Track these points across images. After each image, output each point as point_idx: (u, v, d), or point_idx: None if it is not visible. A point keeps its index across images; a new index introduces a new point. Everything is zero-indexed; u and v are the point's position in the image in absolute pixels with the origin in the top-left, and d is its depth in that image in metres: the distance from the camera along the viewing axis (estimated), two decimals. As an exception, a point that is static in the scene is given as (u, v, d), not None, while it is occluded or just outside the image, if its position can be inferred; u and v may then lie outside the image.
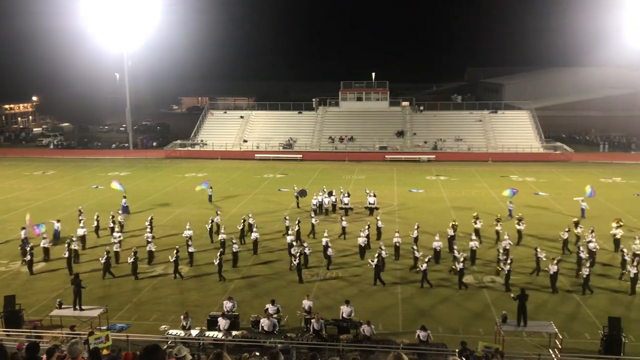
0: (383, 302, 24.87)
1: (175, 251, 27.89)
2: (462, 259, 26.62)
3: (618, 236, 31.34)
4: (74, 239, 30.67)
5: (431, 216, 38.55)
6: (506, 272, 25.98)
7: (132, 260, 27.61)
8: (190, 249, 29.58)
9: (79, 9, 66.30)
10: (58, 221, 34.57)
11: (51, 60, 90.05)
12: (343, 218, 35.31)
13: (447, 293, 25.75)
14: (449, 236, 31.35)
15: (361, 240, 30.49)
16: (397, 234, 30.69)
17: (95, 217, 34.77)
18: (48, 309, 23.35)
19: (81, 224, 33.39)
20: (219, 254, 28.01)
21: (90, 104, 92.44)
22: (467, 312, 23.87)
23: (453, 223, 32.71)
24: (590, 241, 29.18)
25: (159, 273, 28.40)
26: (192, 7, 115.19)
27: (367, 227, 31.97)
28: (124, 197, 40.91)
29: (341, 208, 39.73)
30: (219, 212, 36.09)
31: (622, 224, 32.39)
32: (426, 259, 27.02)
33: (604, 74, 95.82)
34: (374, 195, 39.98)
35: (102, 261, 27.78)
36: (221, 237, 31.07)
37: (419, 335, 19.89)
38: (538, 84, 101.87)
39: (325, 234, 30.58)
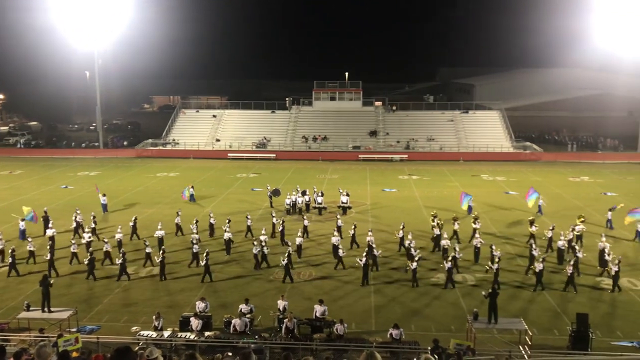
0: (357, 301, 24.97)
1: (161, 252, 27.67)
2: (450, 258, 26.76)
3: (580, 233, 32.08)
4: (105, 240, 30.06)
5: (404, 215, 38.78)
6: (447, 269, 26.29)
7: (120, 261, 27.15)
8: (195, 248, 29.39)
9: (48, 4, 65.09)
10: (23, 220, 34.16)
11: (19, 57, 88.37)
12: (305, 217, 35.29)
13: (420, 292, 25.96)
14: (435, 235, 31.70)
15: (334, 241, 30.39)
16: (370, 233, 30.83)
17: (74, 217, 34.19)
18: (15, 311, 22.87)
19: (49, 225, 32.83)
20: (205, 255, 27.69)
21: (60, 102, 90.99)
22: (439, 310, 24.11)
23: (439, 222, 32.77)
24: (570, 239, 30.05)
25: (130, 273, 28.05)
26: (165, 5, 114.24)
27: (353, 226, 32.23)
28: (104, 195, 40.80)
29: (315, 207, 39.77)
30: (179, 213, 35.16)
31: (584, 219, 33.19)
32: (416, 258, 27.15)
33: (573, 75, 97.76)
34: (347, 195, 40.10)
35: (86, 262, 27.31)
36: (226, 235, 31.04)
37: (391, 334, 20.04)
38: (508, 84, 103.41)
39: (335, 233, 30.76)
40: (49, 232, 31.92)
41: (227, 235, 31.12)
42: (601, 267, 28.00)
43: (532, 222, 32.99)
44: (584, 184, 51.37)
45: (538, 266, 25.95)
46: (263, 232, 30.67)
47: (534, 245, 28.73)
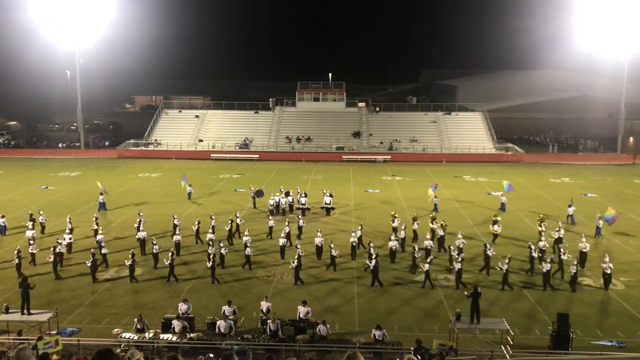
0: (340, 302, 24.98)
1: (131, 254, 27.34)
2: (460, 259, 26.67)
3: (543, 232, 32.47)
4: (59, 241, 29.54)
5: (387, 216, 38.85)
6: (457, 270, 26.44)
7: (129, 263, 26.74)
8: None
9: (29, 3, 64.29)
10: (2, 217, 34.53)
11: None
12: (270, 218, 34.99)
13: (402, 292, 26.06)
14: (438, 236, 31.77)
15: (352, 239, 30.32)
16: (318, 233, 30.68)
17: (68, 219, 33.73)
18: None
19: (30, 226, 32.43)
20: (170, 254, 27.56)
21: (40, 102, 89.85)
22: (422, 310, 24.21)
23: (442, 223, 32.59)
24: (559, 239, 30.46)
25: (112, 275, 27.80)
26: (147, 5, 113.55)
27: (360, 227, 31.95)
28: (101, 194, 40.98)
29: (298, 208, 39.73)
30: (140, 213, 34.43)
31: (542, 218, 33.59)
32: (428, 259, 27.11)
33: (554, 77, 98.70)
34: (330, 195, 40.13)
35: (89, 264, 26.85)
36: (176, 238, 30.77)
37: (374, 335, 20.08)
38: (491, 86, 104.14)
39: (319, 234, 30.49)
40: (29, 234, 31.37)
41: (209, 237, 30.98)
42: (582, 267, 28.27)
43: (495, 222, 33.23)
44: (564, 185, 51.94)
45: (545, 267, 26.05)
46: (246, 232, 30.59)
47: (488, 246, 28.68)
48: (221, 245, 29.31)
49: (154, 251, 28.78)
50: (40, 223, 34.33)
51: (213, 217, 33.13)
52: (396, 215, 34.09)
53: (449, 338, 20.72)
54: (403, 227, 32.14)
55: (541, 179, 54.12)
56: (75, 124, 79.36)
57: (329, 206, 39.64)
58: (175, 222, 33.71)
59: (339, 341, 20.36)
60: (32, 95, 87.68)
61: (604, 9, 63.44)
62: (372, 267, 26.66)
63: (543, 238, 30.35)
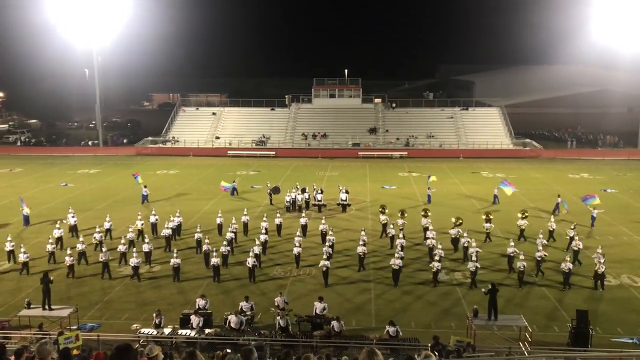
0: (357, 298, 24.98)
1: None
2: (475, 260, 26.07)
3: (523, 227, 32.32)
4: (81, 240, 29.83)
5: (410, 211, 38.69)
6: (472, 270, 25.92)
7: (175, 264, 26.57)
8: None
9: (47, 3, 65.03)
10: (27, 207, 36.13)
11: (18, 55, 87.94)
12: (278, 215, 34.46)
13: (419, 288, 25.95)
14: (452, 237, 31.12)
15: (360, 250, 28.35)
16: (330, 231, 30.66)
17: (107, 218, 33.57)
18: (16, 309, 22.89)
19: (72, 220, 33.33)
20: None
21: (59, 100, 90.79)
22: (439, 307, 24.12)
23: (460, 221, 31.79)
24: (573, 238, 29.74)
25: (130, 272, 28.06)
26: (164, 3, 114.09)
27: (362, 232, 30.50)
28: (145, 186, 42.10)
29: (314, 205, 39.76)
30: (107, 220, 33.80)
31: (527, 215, 33.17)
32: (437, 258, 26.67)
33: (573, 72, 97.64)
34: (347, 192, 40.09)
35: (134, 264, 26.79)
36: (229, 235, 30.59)
37: (388, 331, 20.03)
38: (508, 81, 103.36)
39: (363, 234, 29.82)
40: (57, 233, 31.42)
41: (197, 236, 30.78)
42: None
43: (488, 220, 32.75)
44: (583, 180, 51.37)
45: (568, 265, 25.52)
46: (262, 231, 30.60)
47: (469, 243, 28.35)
48: (224, 243, 29.04)
49: (206, 250, 28.59)
50: (69, 224, 33.98)
51: (234, 221, 32.79)
52: (385, 210, 34.03)
53: (467, 335, 20.66)
54: (395, 225, 31.74)
55: (560, 175, 53.58)
56: (93, 122, 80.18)
57: (345, 203, 39.60)
58: (219, 220, 33.59)
59: (356, 337, 20.38)
60: (51, 93, 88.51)
61: (623, 2, 62.56)
62: (435, 269, 26.10)
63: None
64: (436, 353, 16.99)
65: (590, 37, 68.51)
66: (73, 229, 33.77)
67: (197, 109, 79.23)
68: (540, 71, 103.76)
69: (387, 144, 68.86)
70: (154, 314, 21.21)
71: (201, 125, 73.46)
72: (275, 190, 41.97)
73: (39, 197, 43.82)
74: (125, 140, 74.61)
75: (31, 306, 22.06)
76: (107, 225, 33.03)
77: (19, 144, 74.36)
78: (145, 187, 42.63)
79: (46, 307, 22.20)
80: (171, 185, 48.32)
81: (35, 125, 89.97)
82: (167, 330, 20.63)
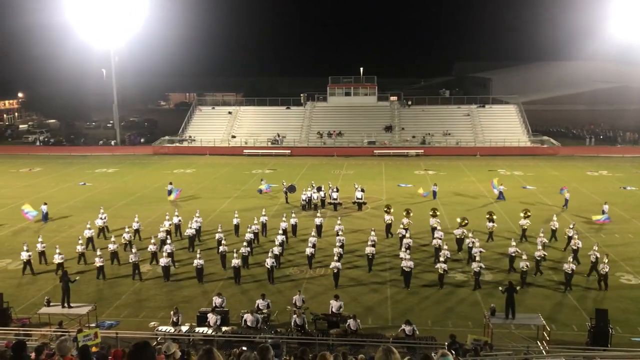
0: (373, 297, 24.94)
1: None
2: (479, 259, 25.85)
3: (525, 227, 31.85)
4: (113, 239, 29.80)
5: (418, 210, 38.59)
6: (475, 271, 25.56)
7: (199, 264, 26.53)
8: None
9: (65, 4, 65.76)
10: (45, 204, 36.86)
11: (37, 56, 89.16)
12: (293, 215, 33.96)
13: (433, 289, 25.78)
14: (457, 236, 30.66)
15: (369, 250, 28.15)
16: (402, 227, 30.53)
17: (136, 219, 33.53)
18: (36, 306, 23.22)
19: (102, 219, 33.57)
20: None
21: (77, 100, 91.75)
22: (456, 305, 23.99)
23: (466, 221, 31.25)
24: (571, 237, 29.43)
25: (147, 269, 28.28)
26: (180, 3, 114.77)
27: (372, 232, 30.10)
28: (170, 182, 43.60)
29: (330, 203, 39.76)
30: (136, 221, 33.84)
31: (529, 214, 32.68)
32: (442, 259, 26.13)
33: (591, 68, 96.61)
34: (362, 190, 40.02)
35: (166, 264, 26.80)
36: (248, 236, 30.50)
37: (404, 330, 19.97)
38: (525, 78, 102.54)
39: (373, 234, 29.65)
40: (87, 233, 31.57)
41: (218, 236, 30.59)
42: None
43: (491, 219, 32.24)
44: (602, 178, 50.80)
45: (571, 266, 25.16)
46: (280, 232, 30.61)
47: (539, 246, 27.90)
48: (244, 244, 29.09)
49: (222, 251, 28.43)
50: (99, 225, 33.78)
51: (256, 221, 32.79)
52: (390, 210, 33.84)
53: (484, 333, 20.54)
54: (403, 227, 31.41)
55: (578, 173, 53.04)
56: (111, 122, 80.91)
57: (360, 201, 39.53)
58: (236, 221, 33.45)
59: (372, 336, 20.35)
60: (70, 94, 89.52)
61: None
62: (443, 270, 25.67)
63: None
64: (453, 352, 16.93)
65: (608, 33, 67.71)
66: (102, 230, 33.65)
67: (213, 108, 79.57)
68: (558, 68, 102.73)
69: (403, 142, 68.62)
70: (172, 312, 21.38)
71: (217, 124, 73.79)
72: (291, 189, 42.04)
73: (57, 196, 44.31)
74: (142, 140, 75.16)
75: (51, 304, 22.36)
76: (135, 225, 32.91)
77: (38, 143, 75.25)
78: (170, 183, 43.89)
79: (65, 304, 22.48)
80: (188, 184, 48.57)
81: (54, 125, 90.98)
82: (184, 328, 20.78)
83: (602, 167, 55.74)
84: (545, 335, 20.12)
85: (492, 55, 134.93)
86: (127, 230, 31.64)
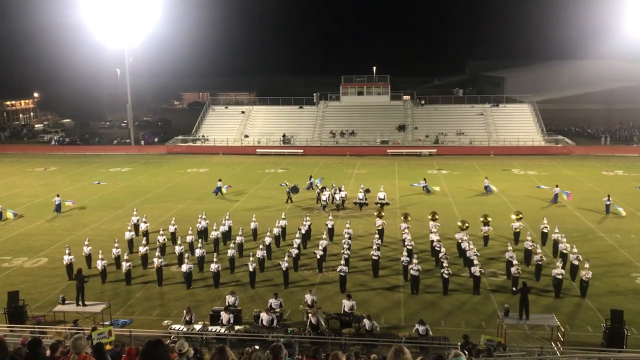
0: (386, 297, 24.89)
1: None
2: (478, 264, 25.45)
3: (518, 230, 31.33)
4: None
5: (433, 210, 38.44)
6: (475, 275, 25.23)
7: (217, 269, 26.24)
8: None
9: (79, 4, 66.30)
10: (58, 196, 38.41)
11: (52, 56, 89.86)
12: (308, 217, 33.35)
13: (449, 288, 25.65)
14: (458, 240, 30.06)
15: (374, 253, 27.53)
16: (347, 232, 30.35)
17: (172, 222, 32.72)
18: (51, 304, 23.45)
19: (129, 227, 32.45)
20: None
21: (91, 100, 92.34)
22: (469, 306, 23.89)
23: (466, 224, 30.70)
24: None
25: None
26: (193, 2, 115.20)
27: (376, 235, 30.13)
28: (220, 180, 44.77)
29: (355, 203, 39.46)
30: (143, 219, 33.54)
31: (521, 216, 32.21)
32: (445, 263, 25.41)
33: (605, 67, 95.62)
34: (367, 191, 39.93)
35: (188, 270, 26.37)
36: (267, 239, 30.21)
37: (417, 329, 19.92)
38: (539, 77, 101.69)
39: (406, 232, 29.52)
40: (128, 235, 31.33)
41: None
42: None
43: (486, 223, 31.48)
44: (617, 178, 50.30)
45: (560, 271, 24.31)
46: (297, 235, 30.40)
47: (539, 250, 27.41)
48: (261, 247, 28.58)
49: (230, 256, 27.98)
50: (135, 225, 33.36)
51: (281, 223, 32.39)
52: (382, 214, 33.38)
53: (497, 334, 20.42)
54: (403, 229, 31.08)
55: (593, 172, 52.56)
56: (125, 121, 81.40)
57: (383, 202, 39.25)
58: (254, 225, 32.80)
59: (385, 335, 20.32)
60: (84, 93, 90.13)
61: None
62: (447, 274, 25.08)
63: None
64: (466, 352, 16.85)
65: (622, 31, 67.03)
66: (145, 234, 31.99)
67: (226, 107, 79.81)
68: (572, 66, 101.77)
69: (416, 141, 68.38)
70: (184, 311, 21.48)
71: (230, 123, 74.01)
72: (294, 189, 42.05)
73: (72, 195, 44.63)
74: (156, 139, 75.58)
75: (65, 302, 22.57)
76: (172, 229, 31.79)
77: (53, 143, 75.88)
78: (219, 180, 44.89)
79: (80, 303, 22.67)
80: (201, 183, 48.77)
81: (69, 125, 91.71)
82: (197, 327, 20.88)
83: (617, 166, 55.18)
84: (560, 336, 19.97)
85: (506, 54, 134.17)
86: (161, 232, 30.71)
